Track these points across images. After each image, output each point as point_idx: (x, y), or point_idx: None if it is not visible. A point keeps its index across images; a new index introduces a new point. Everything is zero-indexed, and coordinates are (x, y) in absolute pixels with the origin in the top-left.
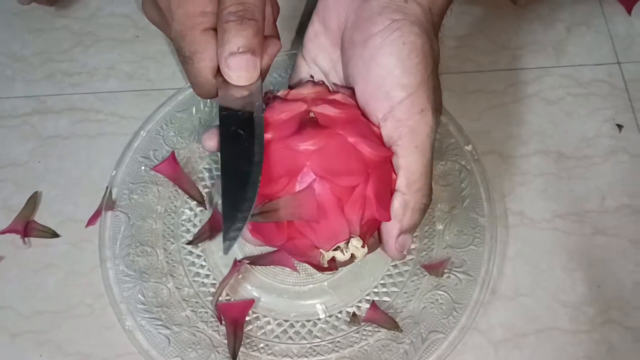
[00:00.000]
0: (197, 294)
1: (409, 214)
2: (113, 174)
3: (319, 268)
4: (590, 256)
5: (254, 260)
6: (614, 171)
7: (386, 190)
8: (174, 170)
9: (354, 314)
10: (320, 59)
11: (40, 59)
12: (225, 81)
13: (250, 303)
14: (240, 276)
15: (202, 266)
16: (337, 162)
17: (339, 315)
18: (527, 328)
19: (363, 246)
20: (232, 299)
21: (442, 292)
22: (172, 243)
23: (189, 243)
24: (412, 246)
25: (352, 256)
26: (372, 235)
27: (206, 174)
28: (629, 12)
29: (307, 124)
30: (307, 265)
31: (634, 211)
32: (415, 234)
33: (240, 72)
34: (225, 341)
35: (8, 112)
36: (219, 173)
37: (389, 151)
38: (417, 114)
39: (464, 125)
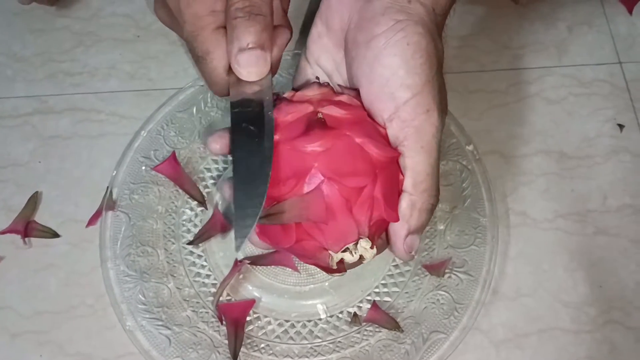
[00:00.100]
0: (198, 294)
1: (416, 214)
2: (114, 174)
3: (328, 270)
4: (592, 256)
5: (255, 261)
6: (615, 171)
7: (393, 191)
8: (174, 170)
9: (355, 314)
10: (323, 60)
11: (41, 59)
12: (236, 78)
13: (251, 303)
14: (241, 276)
15: (202, 266)
16: (344, 163)
17: (340, 316)
18: (529, 328)
19: (372, 247)
20: (233, 299)
21: (443, 292)
22: (173, 243)
23: (190, 243)
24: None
25: (361, 257)
26: (380, 236)
27: (207, 174)
28: (630, 12)
29: (314, 125)
30: (307, 265)
31: (635, 211)
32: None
33: (250, 68)
34: (226, 341)
35: (9, 112)
36: (221, 173)
37: (395, 151)
38: (423, 114)
39: (465, 125)
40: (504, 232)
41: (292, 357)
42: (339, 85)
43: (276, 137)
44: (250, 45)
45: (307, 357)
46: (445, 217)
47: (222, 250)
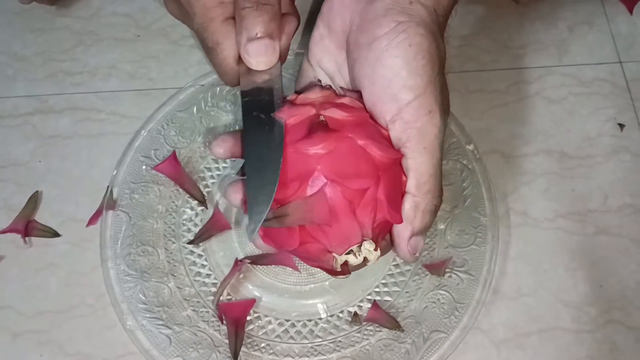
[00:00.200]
0: (198, 293)
1: (420, 215)
2: (114, 173)
3: (332, 272)
4: (593, 256)
5: (255, 260)
6: (616, 170)
7: (397, 193)
8: (175, 169)
9: (356, 313)
10: (325, 62)
11: (41, 58)
12: (246, 67)
13: (251, 303)
14: (241, 276)
15: (203, 266)
16: (347, 165)
17: (341, 315)
18: (530, 328)
19: (376, 249)
20: (233, 299)
21: (443, 292)
22: (173, 242)
23: (190, 242)
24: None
25: (365, 259)
26: (384, 238)
27: (207, 174)
28: (631, 11)
29: (317, 127)
30: (307, 264)
31: (636, 210)
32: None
33: (260, 58)
34: (227, 341)
35: (9, 112)
36: (221, 172)
37: (398, 153)
38: (425, 116)
39: (465, 124)
40: (504, 232)
41: (292, 357)
42: (341, 87)
43: None
44: (258, 35)
45: (308, 356)
46: (446, 216)
47: (223, 250)
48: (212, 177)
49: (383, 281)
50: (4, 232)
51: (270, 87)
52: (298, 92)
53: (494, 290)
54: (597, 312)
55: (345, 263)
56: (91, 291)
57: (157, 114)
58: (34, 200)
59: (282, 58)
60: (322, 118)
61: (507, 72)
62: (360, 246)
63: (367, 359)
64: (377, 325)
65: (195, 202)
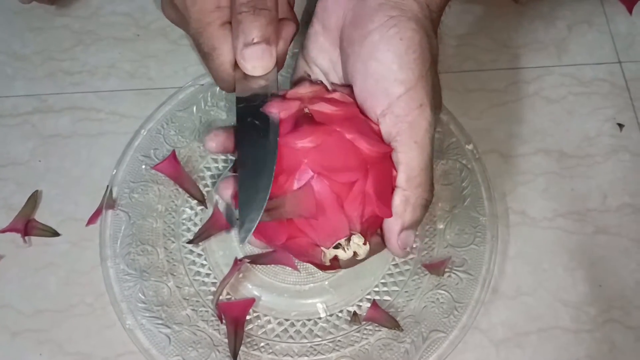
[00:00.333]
0: (198, 292)
1: (410, 210)
2: (114, 172)
3: (322, 267)
4: (592, 255)
5: (255, 259)
6: (615, 170)
7: (387, 187)
8: (174, 169)
9: (355, 313)
10: (320, 59)
11: (40, 57)
12: (242, 73)
13: (250, 302)
14: (240, 275)
15: (202, 265)
16: (334, 159)
17: (340, 314)
18: (529, 327)
19: (365, 243)
20: (233, 298)
21: (443, 291)
22: (173, 242)
23: (190, 242)
24: (413, 245)
25: (355, 254)
26: (377, 234)
27: (207, 173)
28: (630, 11)
29: (303, 121)
30: (307, 264)
31: (635, 210)
32: (416, 232)
33: (256, 63)
34: (226, 340)
35: (9, 111)
36: (220, 172)
37: (387, 147)
38: (416, 109)
39: (465, 124)
40: (503, 231)
41: (291, 356)
42: (332, 83)
43: None
44: (255, 40)
45: (307, 356)
46: (445, 216)
47: (222, 249)
48: (211, 176)
49: (382, 281)
50: (3, 231)
51: (266, 93)
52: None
53: (493, 289)
54: (597, 312)
55: (335, 258)
56: (90, 290)
57: (157, 114)
58: (34, 199)
59: (280, 64)
60: (306, 111)
61: (506, 71)
62: (348, 240)
63: (366, 358)
64: (376, 324)
65: (195, 201)
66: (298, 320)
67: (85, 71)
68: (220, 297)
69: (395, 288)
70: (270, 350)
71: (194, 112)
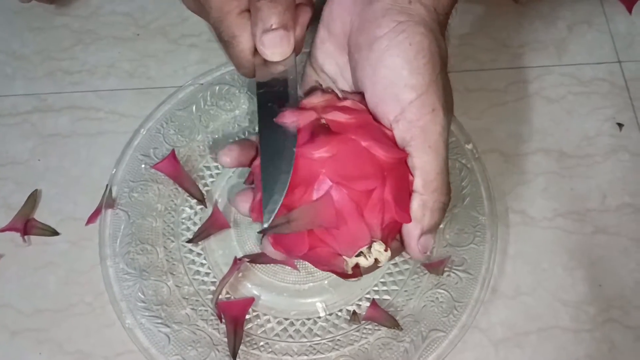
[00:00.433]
0: (197, 292)
1: (428, 214)
2: (113, 172)
3: (344, 275)
4: (591, 255)
5: (254, 259)
6: (614, 170)
7: (404, 192)
8: (174, 168)
9: (354, 312)
10: (327, 66)
11: (40, 57)
12: (262, 59)
13: (250, 301)
14: (240, 274)
15: (202, 264)
16: (352, 168)
17: (339, 314)
18: (528, 327)
19: (386, 250)
20: (232, 297)
21: (442, 291)
22: (172, 241)
23: (189, 241)
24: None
25: (376, 261)
26: (395, 239)
27: (206, 172)
28: (630, 11)
29: (319, 131)
30: (307, 263)
31: (634, 210)
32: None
33: (274, 49)
34: (225, 339)
35: (8, 110)
36: (220, 171)
37: (403, 152)
38: (428, 114)
39: (464, 123)
40: (503, 231)
41: (291, 355)
42: (342, 90)
43: None
44: (274, 26)
45: (306, 355)
46: (445, 215)
47: (222, 248)
48: (211, 175)
49: (382, 280)
50: (3, 230)
51: (285, 77)
52: (301, 97)
53: (493, 289)
54: (596, 311)
55: (357, 265)
56: (90, 290)
57: (156, 113)
58: (33, 198)
59: (297, 49)
60: (323, 121)
61: (506, 71)
62: (370, 248)
63: (365, 357)
64: (375, 324)
65: (195, 200)
66: (297, 320)
67: (84, 70)
68: (220, 296)
69: (395, 287)
70: (270, 350)
71: (194, 112)
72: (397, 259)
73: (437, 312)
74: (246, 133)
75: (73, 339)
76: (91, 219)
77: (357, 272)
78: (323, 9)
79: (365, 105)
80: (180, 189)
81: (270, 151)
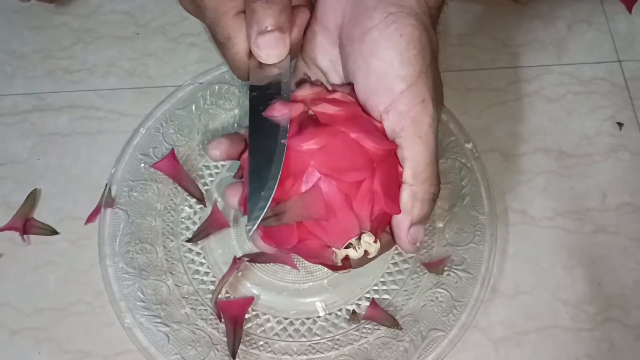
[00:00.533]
0: (197, 291)
1: (418, 205)
2: (112, 171)
3: (334, 268)
4: (591, 254)
5: (254, 258)
6: (614, 169)
7: (394, 184)
8: (173, 167)
9: (354, 311)
10: (319, 59)
11: (40, 56)
12: (257, 61)
13: (249, 301)
14: (239, 274)
15: (201, 264)
16: (341, 159)
17: (339, 313)
18: (528, 326)
19: (375, 241)
20: (232, 297)
21: (442, 290)
22: (172, 240)
23: (189, 240)
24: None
25: (366, 252)
26: (386, 232)
27: (206, 172)
28: (630, 10)
29: (308, 123)
30: (306, 262)
31: (634, 209)
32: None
33: (269, 51)
34: (225, 339)
35: (8, 109)
36: (219, 171)
37: (392, 144)
38: (419, 105)
39: (464, 123)
40: (503, 230)
41: (290, 355)
42: (331, 83)
43: None
44: (269, 28)
45: (306, 354)
46: (444, 215)
47: (221, 248)
48: (210, 175)
49: (381, 279)
50: (2, 229)
51: (279, 81)
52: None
53: (493, 288)
54: (596, 311)
55: (346, 257)
56: (89, 289)
57: (156, 112)
58: (33, 198)
59: (294, 52)
60: (311, 113)
61: (505, 70)
62: (359, 239)
63: (365, 357)
64: (375, 323)
65: (194, 200)
66: (297, 319)
67: (84, 69)
68: (219, 296)
69: (395, 287)
70: (269, 349)
71: (193, 111)
72: (397, 259)
73: (437, 312)
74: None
75: (72, 338)
76: (90, 218)
77: (347, 264)
78: (316, 2)
79: (355, 97)
80: (179, 188)
81: (259, 155)
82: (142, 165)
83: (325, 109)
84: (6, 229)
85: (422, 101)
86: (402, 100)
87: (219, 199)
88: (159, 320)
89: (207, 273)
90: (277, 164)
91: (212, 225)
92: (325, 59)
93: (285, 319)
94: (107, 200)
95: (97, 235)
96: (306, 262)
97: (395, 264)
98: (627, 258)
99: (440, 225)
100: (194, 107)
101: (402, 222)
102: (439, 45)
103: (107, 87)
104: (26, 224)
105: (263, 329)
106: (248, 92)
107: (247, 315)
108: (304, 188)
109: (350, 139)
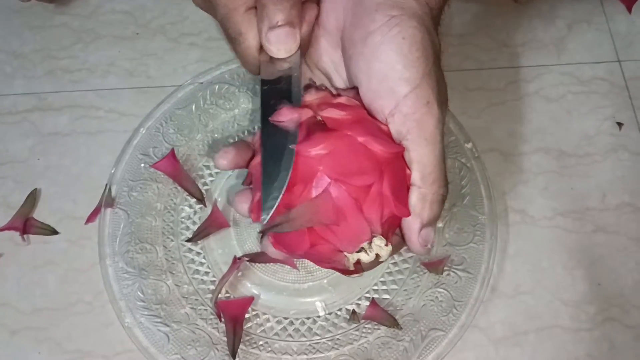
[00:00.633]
0: (197, 291)
1: (427, 206)
2: (112, 171)
3: (345, 272)
4: (591, 254)
5: (254, 258)
6: (614, 169)
7: (402, 186)
8: (173, 167)
9: (354, 311)
10: (322, 63)
11: (40, 55)
12: (268, 56)
13: (249, 300)
14: (239, 273)
15: (201, 263)
16: (349, 163)
17: (339, 313)
18: (528, 326)
19: (387, 244)
20: (232, 297)
21: (442, 290)
22: (172, 240)
23: (189, 240)
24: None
25: (377, 256)
26: (396, 234)
27: (206, 172)
28: (629, 10)
29: (316, 128)
30: (306, 262)
31: (634, 209)
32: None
33: (280, 45)
34: (225, 338)
35: (8, 109)
36: (219, 171)
37: (399, 147)
38: (424, 107)
39: (464, 122)
40: (502, 230)
41: (290, 355)
42: (335, 87)
43: None
44: (279, 23)
45: (306, 354)
46: (444, 214)
47: (221, 248)
48: (210, 175)
49: (381, 279)
50: (2, 229)
51: (290, 75)
52: None
53: (492, 288)
54: (596, 310)
55: (358, 261)
56: (89, 289)
57: (156, 112)
58: (33, 197)
59: (304, 47)
60: (319, 118)
61: (505, 70)
62: (370, 243)
63: (365, 356)
64: (375, 323)
65: (194, 199)
66: (297, 319)
67: (84, 69)
68: (219, 296)
69: (394, 286)
70: (269, 349)
71: (193, 111)
72: (397, 259)
73: (437, 311)
74: (245, 132)
75: (72, 338)
76: (90, 218)
77: (359, 268)
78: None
79: (360, 100)
80: (179, 188)
81: (271, 148)
82: (142, 165)
83: (332, 113)
84: (6, 229)
85: (426, 103)
86: (406, 102)
87: (219, 199)
88: (159, 320)
89: (207, 273)
90: (288, 156)
91: (212, 225)
92: (327, 61)
93: (285, 318)
94: (107, 200)
95: (97, 235)
96: (306, 262)
97: (395, 263)
98: (626, 258)
99: (440, 225)
100: (194, 106)
101: (412, 225)
102: (441, 45)
103: (107, 87)
104: (26, 223)
105: (263, 328)
106: (257, 87)
107: (247, 315)
108: (314, 193)
109: (358, 143)
